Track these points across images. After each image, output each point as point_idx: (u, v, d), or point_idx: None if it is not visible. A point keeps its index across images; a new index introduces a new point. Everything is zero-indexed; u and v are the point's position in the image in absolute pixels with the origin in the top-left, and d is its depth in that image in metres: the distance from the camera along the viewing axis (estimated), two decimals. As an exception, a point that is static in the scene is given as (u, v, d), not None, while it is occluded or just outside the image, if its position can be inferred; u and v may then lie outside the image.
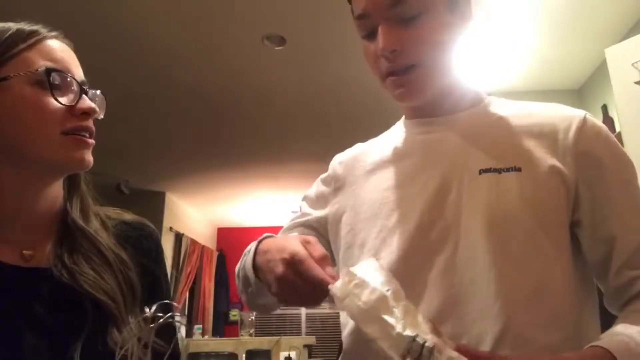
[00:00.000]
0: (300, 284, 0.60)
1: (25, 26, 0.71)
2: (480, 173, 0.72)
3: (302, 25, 2.83)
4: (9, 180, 0.68)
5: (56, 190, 0.74)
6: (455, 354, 0.51)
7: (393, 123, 0.92)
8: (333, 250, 0.85)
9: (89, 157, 0.71)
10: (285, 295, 0.64)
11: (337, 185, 0.88)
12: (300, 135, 4.44)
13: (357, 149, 0.92)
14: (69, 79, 0.70)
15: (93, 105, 0.71)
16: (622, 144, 2.24)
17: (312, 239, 0.65)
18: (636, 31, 2.60)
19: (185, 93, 3.57)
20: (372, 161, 0.85)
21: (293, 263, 0.61)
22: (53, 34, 0.73)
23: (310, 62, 3.22)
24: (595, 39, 2.87)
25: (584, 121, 0.73)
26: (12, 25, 0.71)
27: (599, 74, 3.14)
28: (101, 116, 0.75)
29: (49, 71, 0.67)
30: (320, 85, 3.52)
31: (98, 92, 0.76)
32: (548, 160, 0.71)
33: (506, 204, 0.70)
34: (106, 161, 4.84)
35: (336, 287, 0.56)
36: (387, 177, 0.80)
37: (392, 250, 0.73)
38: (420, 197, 0.74)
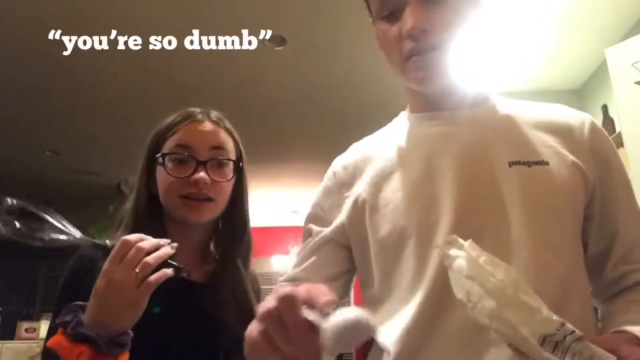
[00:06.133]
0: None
1: (180, 115, 1.00)
2: (510, 165, 0.73)
3: (302, 25, 2.83)
4: (171, 226, 0.98)
5: (199, 233, 1.01)
6: (597, 348, 0.47)
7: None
8: (357, 254, 0.81)
9: (201, 215, 0.96)
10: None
11: (346, 190, 0.82)
12: (300, 135, 4.44)
13: (359, 149, 0.87)
14: (187, 157, 0.95)
15: (202, 175, 0.94)
16: (622, 144, 2.24)
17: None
18: (636, 31, 2.60)
19: (186, 93, 3.57)
20: (385, 159, 0.80)
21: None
22: (194, 118, 0.99)
23: (311, 62, 3.22)
24: (595, 39, 2.87)
25: (594, 123, 0.78)
26: (170, 119, 1.01)
27: (599, 74, 3.13)
28: (230, 176, 0.99)
29: (163, 155, 0.96)
30: (320, 85, 3.52)
31: (218, 160, 0.99)
32: (569, 156, 0.74)
33: (543, 196, 0.71)
34: (106, 161, 4.84)
35: (460, 263, 0.49)
36: (409, 174, 0.76)
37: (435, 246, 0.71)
38: (453, 190, 0.72)
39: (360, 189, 0.80)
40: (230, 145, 1.01)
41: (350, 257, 0.83)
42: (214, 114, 1.03)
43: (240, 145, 1.05)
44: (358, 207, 0.79)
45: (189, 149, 0.96)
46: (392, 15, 0.74)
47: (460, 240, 0.52)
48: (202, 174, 0.94)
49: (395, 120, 0.88)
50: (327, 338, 0.42)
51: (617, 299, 0.74)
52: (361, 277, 0.82)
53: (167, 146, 0.97)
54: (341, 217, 0.81)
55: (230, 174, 0.99)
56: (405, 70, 0.75)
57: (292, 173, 5.43)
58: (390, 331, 0.72)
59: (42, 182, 5.40)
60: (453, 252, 0.51)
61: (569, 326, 0.46)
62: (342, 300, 0.85)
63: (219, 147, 0.98)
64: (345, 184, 0.83)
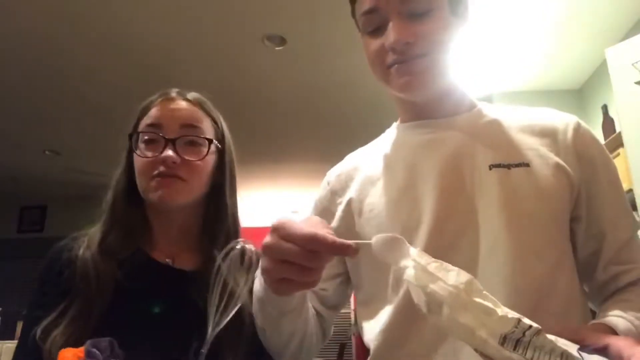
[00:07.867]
0: (288, 248, 0.52)
1: (155, 96, 0.96)
2: (490, 168, 0.74)
3: (302, 25, 2.83)
4: (152, 213, 0.94)
5: (180, 218, 0.94)
6: (558, 339, 0.46)
7: (392, 123, 0.91)
8: (349, 258, 0.82)
9: (172, 195, 0.88)
10: (275, 271, 0.55)
11: (338, 197, 0.86)
12: (300, 135, 4.45)
13: (350, 160, 0.91)
14: (156, 135, 0.90)
15: (169, 154, 0.87)
16: (622, 144, 2.24)
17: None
18: (636, 31, 2.60)
19: (185, 93, 3.58)
20: (373, 166, 0.84)
21: (276, 228, 0.54)
22: (167, 96, 0.95)
23: (311, 62, 3.22)
24: (595, 39, 2.87)
25: (579, 124, 0.79)
26: (150, 99, 0.96)
27: (599, 74, 3.13)
28: (203, 154, 0.92)
29: (130, 135, 0.93)
30: (320, 85, 3.52)
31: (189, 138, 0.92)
32: (553, 157, 0.75)
33: (522, 198, 0.71)
34: (106, 161, 4.84)
35: (409, 273, 0.49)
36: (394, 180, 0.79)
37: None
38: (433, 195, 0.74)
39: (350, 195, 0.83)
40: (206, 124, 0.95)
41: (344, 261, 0.85)
42: (192, 95, 0.97)
43: (224, 128, 0.99)
44: (348, 213, 0.82)
45: (159, 127, 0.90)
46: (377, 31, 0.76)
47: (411, 250, 0.50)
48: (169, 152, 0.88)
49: (387, 131, 0.91)
50: None
51: (608, 301, 0.75)
52: (353, 281, 0.85)
53: (140, 127, 0.93)
54: (334, 224, 0.84)
55: (204, 153, 0.92)
56: (388, 79, 0.77)
57: (292, 173, 5.43)
58: (371, 329, 0.76)
59: (42, 182, 5.41)
60: (403, 262, 0.50)
61: (526, 321, 0.45)
62: (341, 306, 0.88)
63: (191, 125, 0.92)
64: (337, 191, 0.87)
